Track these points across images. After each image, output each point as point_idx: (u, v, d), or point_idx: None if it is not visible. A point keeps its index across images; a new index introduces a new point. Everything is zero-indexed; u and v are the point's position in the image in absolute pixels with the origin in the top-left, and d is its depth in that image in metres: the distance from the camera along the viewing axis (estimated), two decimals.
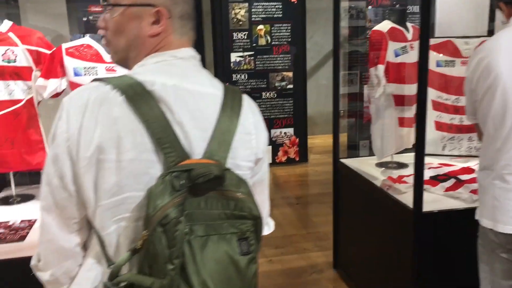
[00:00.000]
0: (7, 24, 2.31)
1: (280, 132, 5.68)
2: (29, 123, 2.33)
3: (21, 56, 2.27)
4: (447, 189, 2.39)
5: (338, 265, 3.17)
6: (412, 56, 2.63)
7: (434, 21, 2.87)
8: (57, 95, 2.33)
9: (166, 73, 0.97)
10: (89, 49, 2.28)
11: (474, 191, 2.26)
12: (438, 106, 2.95)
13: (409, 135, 2.70)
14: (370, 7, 5.57)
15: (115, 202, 0.92)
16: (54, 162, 0.93)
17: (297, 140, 5.73)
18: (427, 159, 3.03)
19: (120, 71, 2.23)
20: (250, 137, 1.02)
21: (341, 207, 3.07)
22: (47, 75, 2.25)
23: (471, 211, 1.88)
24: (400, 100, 2.61)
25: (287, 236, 3.76)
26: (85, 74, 2.25)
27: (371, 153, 3.06)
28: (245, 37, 5.36)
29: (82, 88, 0.96)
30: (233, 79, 5.38)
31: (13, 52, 2.25)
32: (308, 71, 5.95)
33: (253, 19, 5.35)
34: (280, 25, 5.47)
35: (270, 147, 5.63)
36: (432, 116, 2.93)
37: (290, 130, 5.69)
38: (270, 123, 5.60)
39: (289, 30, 5.51)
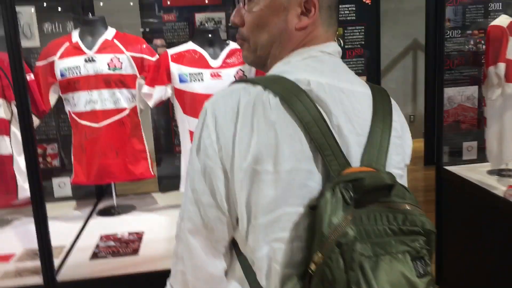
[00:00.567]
0: (111, 31, 2.27)
1: None
2: (133, 132, 2.27)
3: (126, 63, 2.21)
4: None
5: (442, 280, 2.95)
6: None
7: None
8: (161, 102, 2.26)
9: (317, 71, 0.85)
10: (194, 54, 2.20)
11: None
12: None
13: None
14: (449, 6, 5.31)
15: (271, 220, 0.79)
16: (204, 176, 0.81)
17: None
18: None
19: (226, 76, 2.15)
20: (401, 141, 0.89)
21: (445, 218, 2.85)
22: (152, 82, 2.18)
23: None
24: None
25: None
26: (190, 81, 2.16)
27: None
28: None
29: (228, 92, 0.83)
30: None
31: (118, 60, 2.20)
32: None
33: None
34: (354, 27, 5.29)
35: None
36: None
37: None
38: None
39: (363, 33, 5.32)
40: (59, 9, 2.56)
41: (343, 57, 5.46)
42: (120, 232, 2.15)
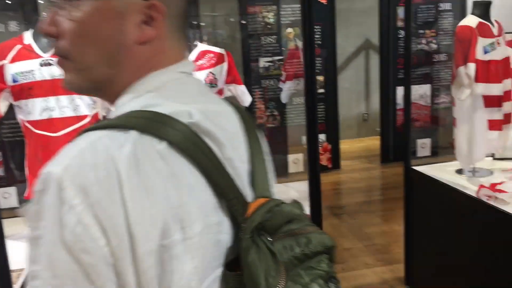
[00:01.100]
0: None
1: None
2: None
3: None
4: None
5: (411, 281, 2.95)
6: (499, 53, 2.43)
7: None
8: None
9: (189, 97, 0.69)
10: None
11: None
12: None
13: (499, 139, 2.49)
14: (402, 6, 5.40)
15: None
16: (82, 282, 0.55)
17: (330, 146, 5.52)
18: (506, 164, 2.85)
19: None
20: (268, 157, 0.80)
21: (415, 219, 2.84)
22: None
23: None
24: (490, 101, 2.40)
25: (345, 250, 3.54)
26: None
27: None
28: (274, 41, 5.15)
29: (88, 148, 0.57)
30: (263, 85, 5.17)
31: None
32: None
33: (282, 22, 5.14)
34: None
35: (302, 154, 5.42)
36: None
37: (322, 137, 5.48)
38: (302, 130, 5.38)
39: (319, 33, 5.31)
40: None
41: (300, 56, 5.40)
42: None
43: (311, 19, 1.58)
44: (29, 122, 2.03)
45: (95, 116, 2.10)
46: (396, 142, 5.72)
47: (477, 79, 2.35)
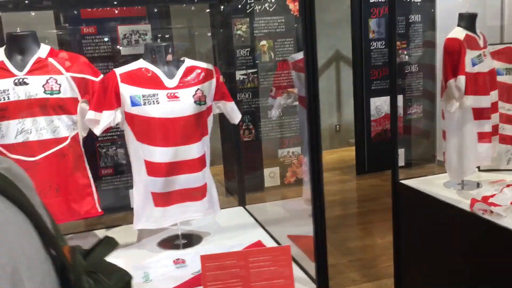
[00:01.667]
0: (45, 48, 1.94)
1: (288, 152, 5.40)
2: (76, 165, 1.95)
3: (65, 85, 1.90)
4: None
5: None
6: (486, 65, 2.42)
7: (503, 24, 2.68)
8: (108, 129, 1.96)
9: None
10: (147, 73, 1.94)
11: None
12: (500, 117, 2.75)
13: (488, 151, 2.47)
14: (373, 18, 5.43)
15: None
16: None
17: (305, 159, 5.47)
18: (492, 175, 2.85)
19: (184, 97, 1.91)
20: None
21: (404, 235, 2.80)
22: (99, 106, 1.88)
23: None
24: (479, 114, 2.39)
25: (330, 266, 3.45)
26: (144, 103, 1.90)
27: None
28: (248, 54, 5.08)
29: None
30: (238, 99, 5.08)
31: (56, 81, 1.88)
32: None
33: (255, 34, 5.08)
34: (283, 39, 5.23)
35: (278, 168, 5.35)
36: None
37: (297, 149, 5.43)
38: (277, 143, 5.33)
39: (292, 45, 5.28)
40: None
41: (274, 69, 5.36)
42: None
43: (312, 30, 1.50)
44: (3, 146, 1.87)
45: (75, 137, 1.95)
46: (371, 153, 5.73)
47: (466, 91, 2.33)
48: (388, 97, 5.79)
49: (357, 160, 5.81)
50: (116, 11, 4.31)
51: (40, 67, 1.88)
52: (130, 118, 1.91)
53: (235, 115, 2.14)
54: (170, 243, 2.13)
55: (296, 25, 5.19)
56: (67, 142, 1.92)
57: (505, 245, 2.07)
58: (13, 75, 1.85)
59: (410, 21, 5.55)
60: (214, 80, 2.03)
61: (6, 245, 0.52)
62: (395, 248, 2.86)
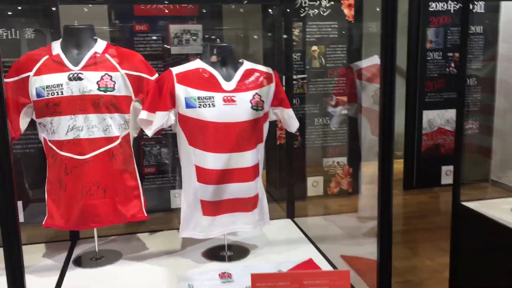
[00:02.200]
0: (102, 44, 1.88)
1: (333, 162, 5.23)
2: (125, 166, 1.88)
3: (120, 83, 1.82)
4: None
5: None
6: None
7: None
8: (160, 131, 1.87)
9: None
10: (204, 74, 1.84)
11: None
12: None
13: None
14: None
15: None
16: None
17: (351, 170, 5.29)
18: None
19: (240, 101, 1.80)
20: None
21: (465, 262, 2.60)
22: (152, 107, 1.80)
23: None
24: None
25: None
26: (199, 106, 1.80)
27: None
28: (298, 59, 4.95)
29: None
30: None
31: (111, 78, 1.81)
32: None
33: (307, 39, 4.94)
34: (336, 46, 5.08)
35: (322, 177, 5.19)
36: None
37: (343, 159, 5.25)
38: (322, 152, 5.17)
39: (345, 52, 5.11)
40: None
41: (324, 75, 5.22)
42: None
43: (393, 37, 1.36)
44: (53, 142, 1.81)
45: (126, 137, 1.88)
46: (420, 168, 5.49)
47: None
48: (442, 111, 5.55)
49: (405, 174, 5.58)
50: (167, 10, 4.27)
51: (96, 63, 1.81)
52: (183, 120, 1.81)
53: (292, 123, 2.02)
54: (215, 253, 2.03)
55: (347, 31, 5.03)
56: (118, 141, 1.84)
57: None
58: (68, 69, 1.79)
59: (470, 32, 5.28)
60: (273, 85, 1.92)
61: None
62: (452, 273, 2.67)
